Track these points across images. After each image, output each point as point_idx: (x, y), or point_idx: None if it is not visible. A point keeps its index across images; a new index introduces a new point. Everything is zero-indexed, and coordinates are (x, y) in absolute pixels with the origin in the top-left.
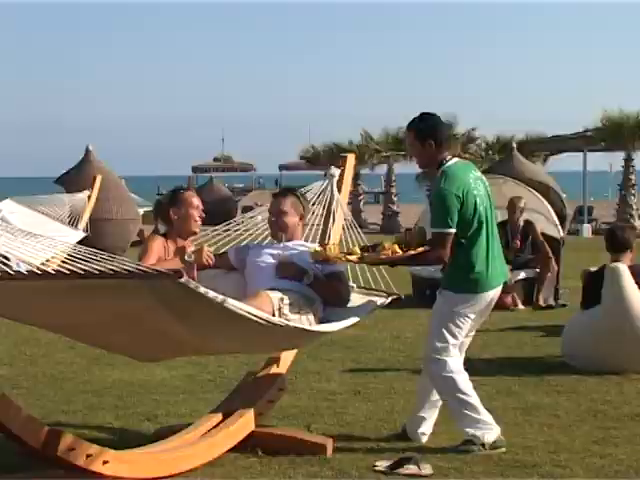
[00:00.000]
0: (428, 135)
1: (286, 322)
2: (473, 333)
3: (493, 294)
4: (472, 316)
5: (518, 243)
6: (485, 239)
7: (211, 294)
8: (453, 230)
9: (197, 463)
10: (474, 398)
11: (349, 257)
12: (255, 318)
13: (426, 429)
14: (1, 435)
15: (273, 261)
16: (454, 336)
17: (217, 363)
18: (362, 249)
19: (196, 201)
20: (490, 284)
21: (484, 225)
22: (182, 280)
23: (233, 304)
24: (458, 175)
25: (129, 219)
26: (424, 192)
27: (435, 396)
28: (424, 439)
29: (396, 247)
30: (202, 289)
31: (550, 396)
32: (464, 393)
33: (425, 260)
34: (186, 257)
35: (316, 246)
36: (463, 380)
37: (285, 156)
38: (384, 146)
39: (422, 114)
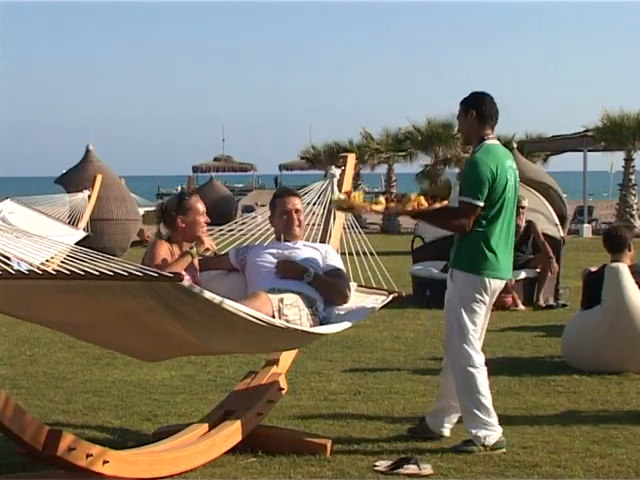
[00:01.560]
0: (471, 106)
1: (287, 324)
2: (484, 332)
3: (498, 286)
4: (486, 299)
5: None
6: (503, 227)
7: (210, 296)
8: (481, 204)
9: (197, 463)
10: (488, 400)
11: (374, 207)
12: (255, 320)
13: (450, 422)
14: (0, 435)
15: (273, 261)
16: (473, 322)
17: (217, 363)
18: (387, 200)
19: (202, 207)
20: (499, 273)
21: (505, 213)
22: (183, 283)
23: (232, 306)
24: (497, 152)
25: (129, 219)
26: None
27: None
28: (447, 433)
29: (422, 199)
30: (202, 291)
31: (550, 396)
32: (481, 394)
33: (447, 225)
34: (187, 248)
35: (340, 195)
36: (483, 379)
37: (285, 156)
38: (384, 146)
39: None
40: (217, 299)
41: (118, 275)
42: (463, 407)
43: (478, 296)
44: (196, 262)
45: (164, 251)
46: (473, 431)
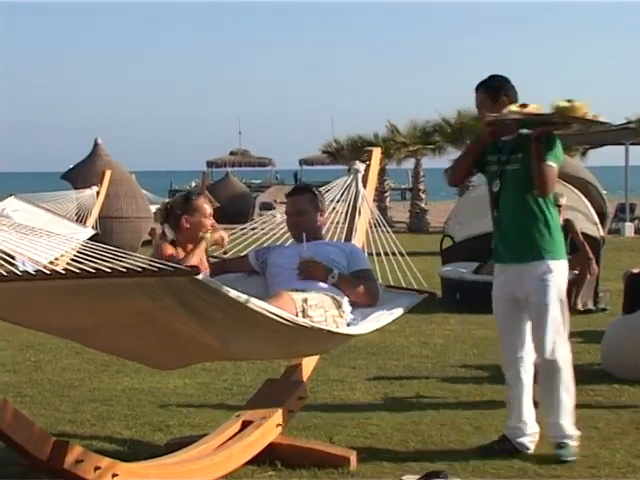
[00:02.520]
0: (500, 91)
1: (311, 323)
2: None
3: None
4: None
5: None
6: None
7: (229, 291)
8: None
9: (212, 476)
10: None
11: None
12: (278, 318)
13: (535, 433)
14: (2, 446)
15: (295, 262)
16: (565, 313)
17: (234, 370)
18: None
19: (209, 209)
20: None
21: None
22: (200, 277)
23: (253, 302)
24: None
25: (140, 217)
26: (454, 188)
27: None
28: (532, 446)
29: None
30: (221, 286)
31: (589, 407)
32: (572, 390)
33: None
34: (200, 234)
35: (513, 106)
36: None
37: (306, 150)
38: (411, 139)
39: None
40: (236, 295)
41: (131, 271)
42: (562, 402)
43: (564, 280)
44: (206, 263)
45: (170, 251)
46: (569, 428)
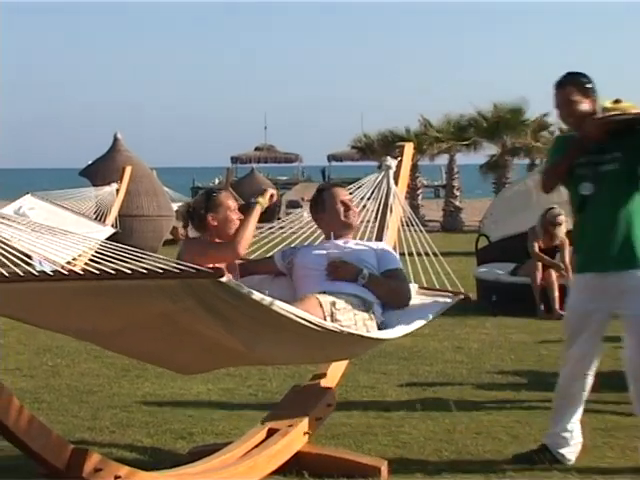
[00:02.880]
0: (591, 90)
1: (341, 328)
2: None
3: None
4: None
5: None
6: None
7: (255, 294)
8: None
9: None
10: None
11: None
12: (305, 322)
13: (578, 444)
14: (19, 454)
15: (324, 262)
16: None
17: (259, 376)
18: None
19: (232, 203)
20: None
21: None
22: (224, 279)
23: (281, 307)
24: None
25: (162, 215)
26: (490, 185)
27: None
28: (574, 458)
29: None
30: (246, 289)
31: (634, 415)
32: None
33: None
34: (252, 200)
35: (607, 102)
36: None
37: (334, 145)
38: (445, 134)
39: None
40: (261, 298)
41: (152, 273)
42: None
43: None
44: (235, 264)
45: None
46: None
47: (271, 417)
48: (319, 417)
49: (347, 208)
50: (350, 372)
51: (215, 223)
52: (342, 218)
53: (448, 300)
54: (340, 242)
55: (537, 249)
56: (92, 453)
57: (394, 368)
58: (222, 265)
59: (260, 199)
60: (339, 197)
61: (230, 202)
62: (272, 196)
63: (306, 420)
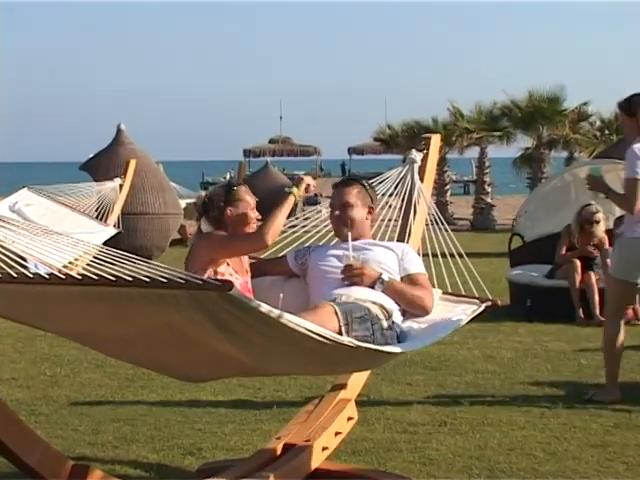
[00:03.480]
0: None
1: (357, 343)
2: None
3: None
4: None
5: None
6: None
7: (264, 308)
8: None
9: None
10: None
11: None
12: (318, 337)
13: None
14: (16, 471)
15: (339, 265)
16: None
17: (274, 387)
18: None
19: (252, 200)
20: None
21: None
22: (232, 292)
23: (291, 320)
24: None
25: (169, 213)
26: (524, 181)
27: None
28: None
29: None
30: (255, 302)
31: None
32: None
33: None
34: (286, 189)
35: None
36: None
37: (355, 137)
38: (476, 125)
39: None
40: (272, 312)
41: (155, 282)
42: None
43: None
44: (247, 265)
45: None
46: None
47: (287, 431)
48: (339, 432)
49: (344, 208)
50: (372, 383)
51: (233, 218)
52: (334, 219)
53: (474, 307)
54: (358, 243)
55: (564, 251)
56: (93, 470)
57: (420, 379)
58: (243, 260)
59: (294, 189)
60: (342, 196)
61: (250, 198)
62: (308, 186)
63: (325, 435)
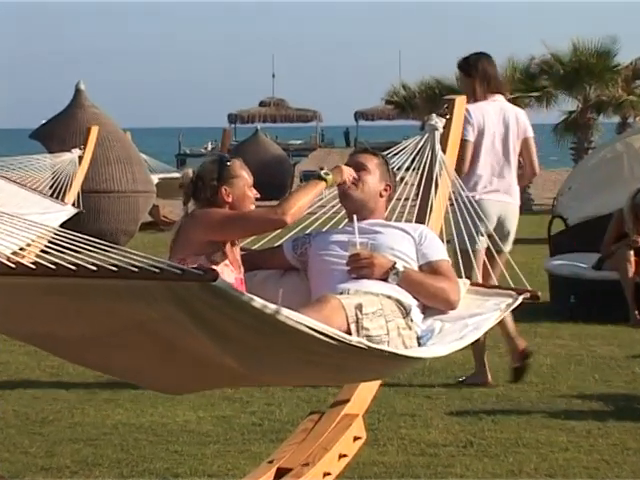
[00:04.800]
0: None
1: (368, 343)
2: None
3: None
4: None
5: None
6: None
7: (257, 302)
8: None
9: None
10: None
11: None
12: (322, 337)
13: None
14: None
15: (344, 253)
16: None
17: (265, 400)
18: None
19: (249, 177)
20: None
21: None
22: (217, 283)
23: (289, 317)
24: None
25: (138, 191)
26: (567, 151)
27: None
28: None
29: None
30: (246, 296)
31: None
32: None
33: None
34: (322, 173)
35: None
36: None
37: (363, 99)
38: (509, 84)
39: None
40: (267, 307)
41: (124, 271)
42: None
43: None
44: (238, 256)
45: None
46: None
47: (281, 453)
48: (344, 454)
49: (357, 168)
50: (384, 395)
51: (230, 199)
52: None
53: (509, 301)
54: (366, 224)
55: (612, 240)
56: None
57: (441, 390)
58: (236, 252)
59: (331, 176)
60: (357, 159)
61: (246, 174)
62: (344, 183)
63: (327, 457)
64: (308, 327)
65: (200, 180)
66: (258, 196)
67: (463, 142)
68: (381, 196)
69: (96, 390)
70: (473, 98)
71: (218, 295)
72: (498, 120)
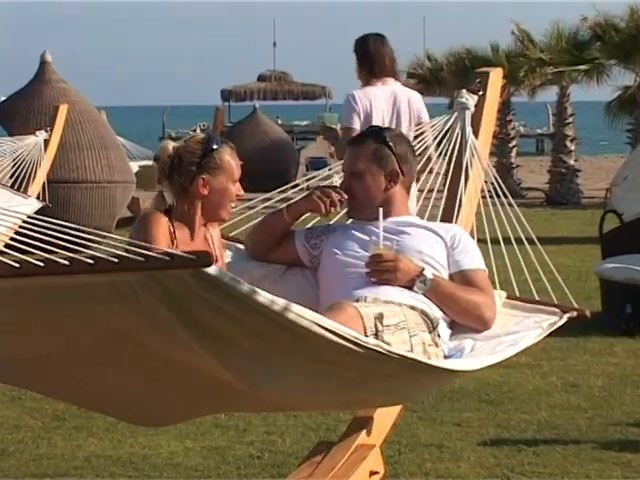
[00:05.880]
0: None
1: (387, 348)
2: None
3: None
4: None
5: None
6: None
7: (264, 297)
8: None
9: None
10: None
11: None
12: (337, 339)
13: None
14: None
15: (364, 254)
16: None
17: (264, 427)
18: None
19: (238, 169)
20: None
21: None
22: (212, 271)
23: (300, 314)
24: None
25: (115, 181)
26: (622, 134)
27: None
28: None
29: None
30: (246, 286)
31: None
32: None
33: None
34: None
35: None
36: None
37: None
38: (554, 55)
39: None
40: (275, 303)
41: (102, 261)
42: None
43: None
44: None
45: (162, 231)
46: None
47: None
48: None
49: (351, 177)
50: (406, 422)
51: (205, 191)
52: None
53: (552, 319)
54: (391, 224)
55: None
56: None
57: (473, 417)
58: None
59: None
60: (350, 162)
61: (234, 165)
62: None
63: None
64: (321, 327)
65: (179, 160)
66: (241, 193)
67: (347, 130)
68: (388, 188)
69: (65, 416)
70: (362, 82)
71: (213, 285)
72: (388, 105)
